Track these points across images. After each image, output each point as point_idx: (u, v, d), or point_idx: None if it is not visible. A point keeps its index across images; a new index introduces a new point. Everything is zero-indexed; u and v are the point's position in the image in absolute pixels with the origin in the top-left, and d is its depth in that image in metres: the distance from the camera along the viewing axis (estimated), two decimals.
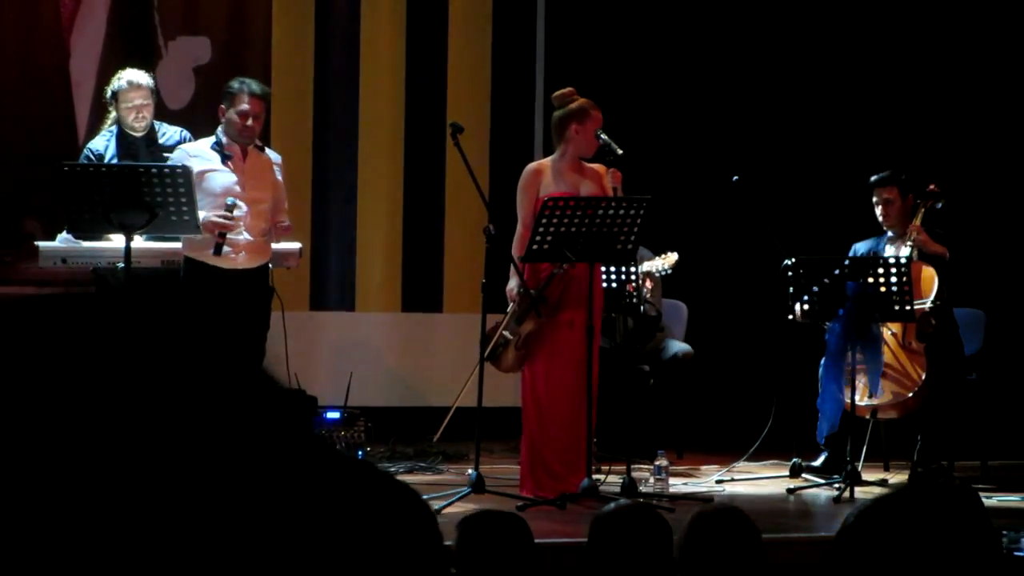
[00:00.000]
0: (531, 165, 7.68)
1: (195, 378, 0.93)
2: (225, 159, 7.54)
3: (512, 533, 3.91)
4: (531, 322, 7.36)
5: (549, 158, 7.64)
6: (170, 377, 0.91)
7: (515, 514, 4.20)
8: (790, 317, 8.02)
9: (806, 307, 7.91)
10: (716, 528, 3.70)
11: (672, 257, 8.29)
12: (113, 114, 8.00)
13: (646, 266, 8.41)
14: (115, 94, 7.92)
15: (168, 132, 7.98)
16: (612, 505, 3.94)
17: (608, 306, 8.18)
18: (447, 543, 3.96)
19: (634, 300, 8.41)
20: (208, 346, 0.95)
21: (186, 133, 7.97)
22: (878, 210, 8.44)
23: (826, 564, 1.75)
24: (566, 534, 6.13)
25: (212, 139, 7.63)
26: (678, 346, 9.06)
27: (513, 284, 7.46)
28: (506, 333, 7.42)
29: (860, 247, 8.57)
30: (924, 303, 8.12)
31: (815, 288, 7.87)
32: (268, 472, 0.89)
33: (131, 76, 7.94)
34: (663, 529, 3.79)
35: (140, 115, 7.89)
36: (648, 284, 8.50)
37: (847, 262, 7.98)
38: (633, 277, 8.35)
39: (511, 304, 7.47)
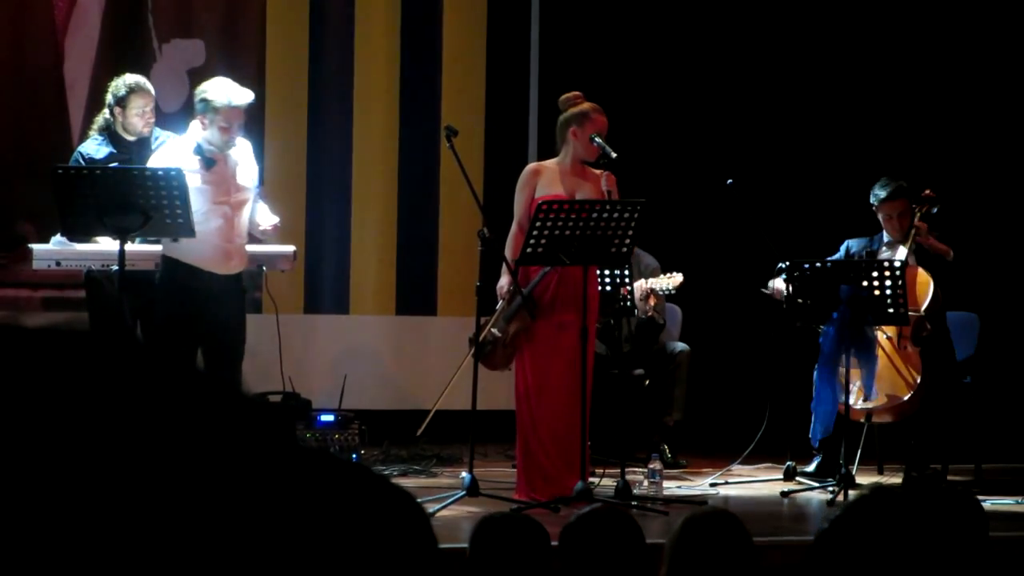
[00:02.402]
0: (531, 165, 7.68)
1: (175, 398, 0.92)
2: (209, 165, 7.39)
3: (529, 537, 3.88)
4: (519, 321, 7.37)
5: (552, 160, 7.63)
6: (151, 400, 0.91)
7: (533, 518, 4.17)
8: (764, 291, 8.05)
9: (786, 286, 7.89)
10: (707, 532, 3.69)
11: (677, 278, 8.39)
12: (103, 117, 7.94)
13: (651, 283, 8.46)
14: (121, 99, 7.86)
15: (162, 137, 7.95)
16: (579, 512, 3.94)
17: (603, 311, 8.18)
18: (456, 545, 3.94)
19: (628, 304, 8.44)
20: (184, 367, 0.95)
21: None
22: (891, 224, 8.38)
23: (807, 564, 1.74)
24: (560, 537, 6.12)
25: (191, 143, 7.42)
26: (677, 345, 9.09)
27: (504, 282, 7.46)
28: (494, 331, 7.42)
29: (853, 244, 8.56)
30: (919, 306, 8.13)
31: (809, 290, 7.87)
32: (256, 483, 0.89)
33: (139, 81, 7.89)
34: (633, 531, 3.79)
35: (149, 121, 7.88)
36: (651, 301, 8.55)
37: (842, 265, 7.99)
38: (627, 280, 8.37)
39: (500, 302, 7.47)
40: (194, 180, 7.24)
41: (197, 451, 0.89)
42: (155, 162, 7.39)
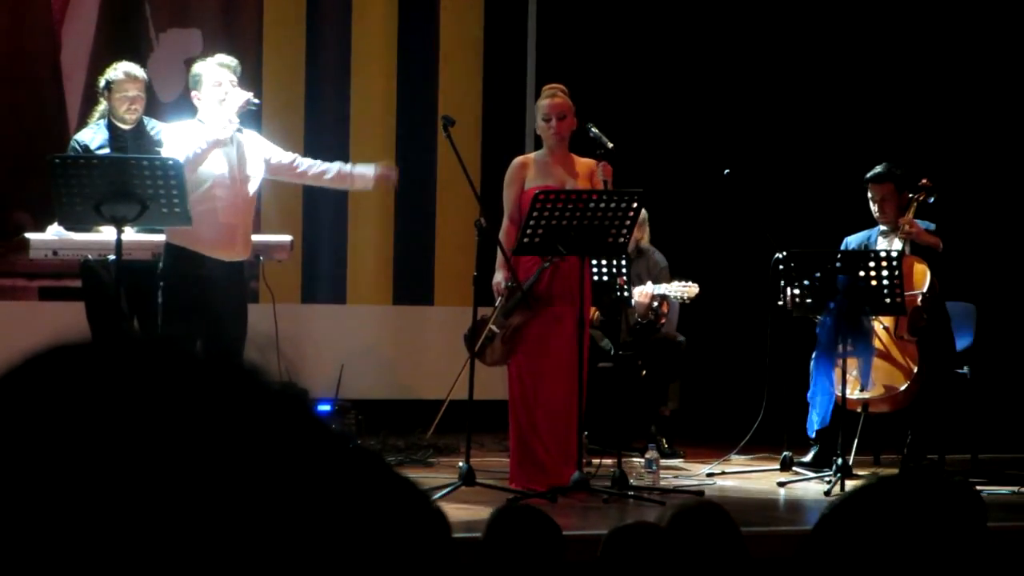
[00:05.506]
0: (517, 159, 7.68)
1: (189, 383, 0.92)
2: (215, 142, 7.31)
3: (543, 532, 3.89)
4: (519, 316, 7.36)
5: (538, 152, 7.64)
6: (165, 385, 0.91)
7: (546, 513, 4.18)
8: (780, 303, 8.03)
9: (797, 294, 7.92)
10: (696, 524, 3.69)
11: (693, 288, 8.37)
12: (103, 106, 7.97)
13: (663, 288, 8.46)
14: (109, 84, 7.88)
15: (157, 127, 7.95)
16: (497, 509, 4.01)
17: (599, 302, 8.18)
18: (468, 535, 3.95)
19: (625, 295, 8.43)
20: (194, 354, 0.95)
21: None
22: (874, 207, 8.44)
23: (803, 555, 1.74)
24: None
25: (195, 123, 7.38)
26: (674, 336, 9.09)
27: (500, 278, 7.45)
28: (493, 327, 7.41)
29: (852, 241, 8.58)
30: (915, 294, 8.13)
31: (806, 281, 7.88)
32: (269, 470, 0.89)
33: (127, 67, 7.92)
34: (553, 531, 3.83)
35: (133, 107, 7.86)
36: (664, 308, 8.55)
37: (839, 256, 8.00)
38: (624, 271, 8.36)
39: (499, 298, 7.46)
40: (201, 158, 7.22)
41: (205, 445, 0.89)
42: (169, 147, 7.33)
